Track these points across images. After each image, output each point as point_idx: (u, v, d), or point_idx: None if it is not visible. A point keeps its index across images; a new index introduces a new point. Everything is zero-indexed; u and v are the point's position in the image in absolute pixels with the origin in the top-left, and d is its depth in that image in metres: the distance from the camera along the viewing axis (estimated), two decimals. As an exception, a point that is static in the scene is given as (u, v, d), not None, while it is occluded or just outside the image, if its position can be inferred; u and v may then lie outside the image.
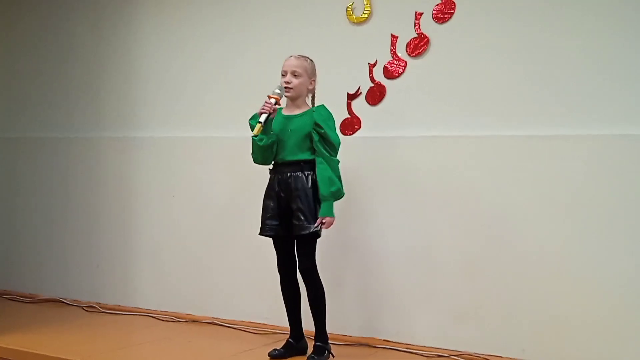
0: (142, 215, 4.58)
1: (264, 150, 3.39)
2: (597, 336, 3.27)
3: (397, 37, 3.76)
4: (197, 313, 4.31)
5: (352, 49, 3.86)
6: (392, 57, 3.78)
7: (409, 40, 3.73)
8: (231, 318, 4.18)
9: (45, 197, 4.95)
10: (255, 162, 3.47)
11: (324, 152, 3.37)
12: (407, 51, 3.74)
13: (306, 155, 3.40)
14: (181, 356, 3.63)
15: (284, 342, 3.53)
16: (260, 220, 3.45)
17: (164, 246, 4.48)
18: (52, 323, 4.20)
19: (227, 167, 4.26)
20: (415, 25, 3.71)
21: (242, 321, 4.13)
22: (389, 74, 3.79)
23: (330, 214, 3.36)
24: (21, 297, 4.87)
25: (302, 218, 3.34)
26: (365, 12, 3.83)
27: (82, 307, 4.60)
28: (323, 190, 3.34)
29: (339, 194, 3.39)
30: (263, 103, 3.34)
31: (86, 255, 4.76)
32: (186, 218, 4.40)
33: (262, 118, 3.31)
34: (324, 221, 3.35)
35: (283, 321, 3.59)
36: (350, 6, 3.87)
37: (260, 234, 3.46)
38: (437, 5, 3.65)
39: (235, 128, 4.17)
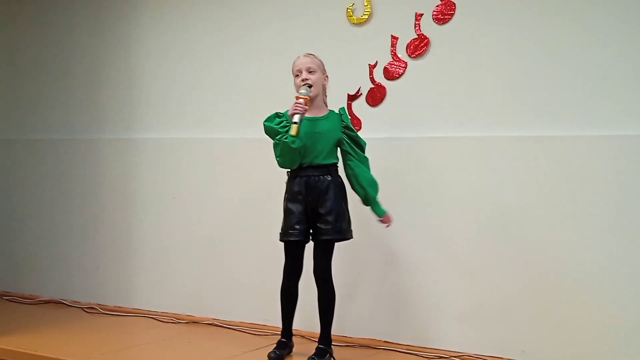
0: (143, 217, 4.58)
1: (295, 152, 3.32)
2: (597, 337, 3.27)
3: (398, 38, 3.76)
4: (198, 314, 4.31)
5: (352, 50, 3.86)
6: (393, 58, 3.78)
7: (409, 41, 3.73)
8: (231, 319, 4.17)
9: (45, 198, 4.95)
10: (282, 165, 3.39)
11: (360, 154, 3.43)
12: (407, 52, 3.74)
13: (334, 159, 3.41)
14: (181, 357, 3.63)
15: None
16: (283, 224, 3.41)
17: (164, 247, 4.48)
18: (52, 324, 4.19)
19: (228, 169, 4.26)
20: (415, 26, 3.71)
21: (242, 322, 4.13)
22: (389, 75, 3.79)
23: (385, 210, 3.47)
24: (21, 298, 4.86)
25: (333, 222, 3.33)
26: (365, 13, 3.83)
27: (82, 309, 4.59)
28: (372, 192, 3.42)
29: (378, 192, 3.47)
30: (293, 105, 3.29)
31: (86, 256, 4.76)
32: (187, 219, 4.40)
33: (296, 118, 3.26)
34: (389, 217, 3.47)
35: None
36: (350, 7, 3.87)
37: (285, 239, 3.40)
38: (438, 6, 3.65)
39: (237, 129, 4.18)
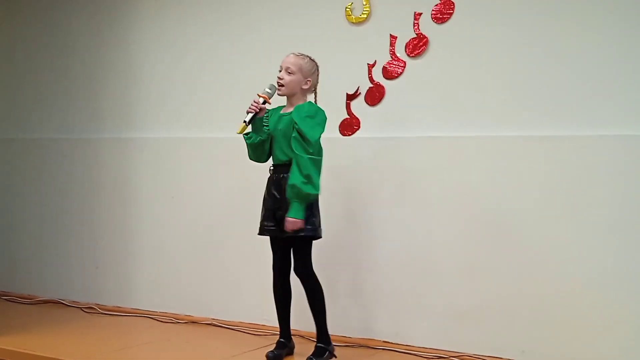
0: (141, 216, 4.57)
1: (254, 148, 3.40)
2: (597, 337, 3.27)
3: (396, 37, 3.75)
4: (197, 314, 4.30)
5: (351, 49, 3.85)
6: (391, 57, 3.77)
7: (408, 40, 3.72)
8: (230, 319, 4.17)
9: (44, 198, 4.95)
10: (249, 159, 3.49)
11: (295, 149, 3.25)
12: (406, 51, 3.73)
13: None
14: (180, 357, 3.63)
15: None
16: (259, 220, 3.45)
17: (163, 247, 4.47)
18: (51, 324, 4.19)
19: (226, 168, 4.26)
20: (414, 26, 3.70)
21: (241, 322, 4.12)
22: (388, 74, 3.78)
23: (295, 215, 3.22)
24: (20, 298, 4.86)
25: None
26: (364, 12, 3.83)
27: (81, 309, 4.59)
28: (287, 190, 3.27)
29: (300, 195, 3.21)
30: (251, 101, 3.33)
31: (85, 256, 4.76)
32: (185, 219, 4.39)
33: (248, 117, 3.33)
34: (286, 222, 3.24)
35: (282, 323, 3.58)
36: (349, 6, 3.86)
37: (258, 234, 3.46)
38: (436, 5, 3.65)
39: (235, 129, 4.16)
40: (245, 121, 3.32)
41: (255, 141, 3.38)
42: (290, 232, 3.27)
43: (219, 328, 4.13)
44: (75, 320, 4.34)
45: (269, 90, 3.38)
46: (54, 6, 4.93)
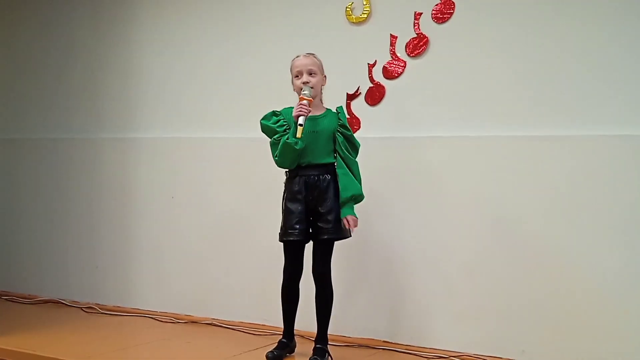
0: (142, 216, 4.57)
1: (297, 153, 3.31)
2: (597, 337, 3.26)
3: (397, 37, 3.75)
4: (197, 314, 4.30)
5: (351, 49, 3.85)
6: (392, 57, 3.77)
7: (408, 40, 3.72)
8: (230, 319, 4.17)
9: (44, 198, 4.95)
10: (281, 165, 3.39)
11: (349, 154, 3.36)
12: (406, 51, 3.73)
13: (332, 158, 3.38)
14: (180, 357, 3.63)
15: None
16: (282, 223, 3.39)
17: (163, 247, 4.47)
18: (51, 324, 4.19)
19: (227, 168, 4.26)
20: (414, 25, 3.70)
21: (241, 322, 4.12)
22: (389, 74, 3.78)
23: (354, 213, 3.36)
24: (20, 297, 4.86)
25: (333, 221, 3.32)
26: (364, 12, 3.83)
27: (81, 308, 4.59)
28: (346, 194, 3.33)
29: (360, 198, 3.38)
30: (297, 106, 3.28)
31: (85, 256, 4.76)
32: (186, 219, 4.39)
33: (301, 120, 3.24)
34: (349, 220, 3.34)
35: (282, 323, 3.57)
36: (349, 6, 3.86)
37: (284, 239, 3.38)
38: (437, 5, 3.65)
39: (236, 129, 4.17)
40: (301, 124, 3.23)
41: (302, 146, 3.29)
42: (353, 229, 3.36)
43: (219, 328, 4.13)
44: (75, 320, 4.34)
45: (307, 92, 3.32)
46: (54, 6, 4.93)
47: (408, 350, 3.63)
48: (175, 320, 4.29)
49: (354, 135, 3.46)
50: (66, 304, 4.70)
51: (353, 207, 3.37)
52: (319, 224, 3.35)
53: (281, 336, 3.54)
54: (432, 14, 3.66)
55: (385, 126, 3.78)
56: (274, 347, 3.50)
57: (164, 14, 4.50)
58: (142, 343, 3.88)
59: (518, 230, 3.46)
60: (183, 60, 4.43)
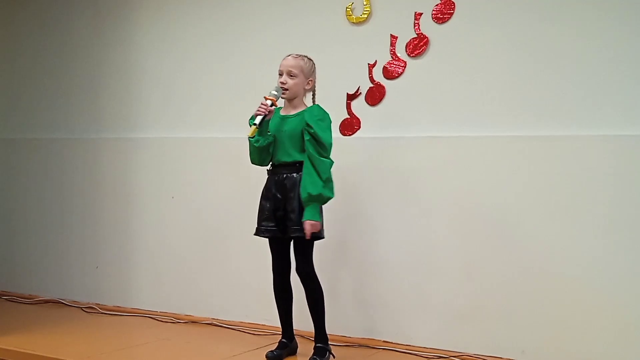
0: (142, 216, 4.57)
1: (260, 151, 3.38)
2: (597, 337, 3.27)
3: (397, 37, 3.75)
4: (196, 314, 4.30)
5: (352, 49, 3.86)
6: (392, 57, 3.77)
7: (408, 40, 3.73)
8: (230, 319, 4.17)
9: (44, 198, 4.95)
10: (252, 163, 3.46)
11: (313, 152, 3.29)
12: (406, 51, 3.74)
13: (302, 157, 3.35)
14: (180, 357, 3.62)
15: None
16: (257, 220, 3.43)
17: (163, 247, 4.47)
18: (51, 324, 4.19)
19: (226, 168, 4.26)
20: (414, 26, 3.71)
21: (241, 322, 4.13)
22: (389, 74, 3.78)
23: (313, 217, 3.26)
24: (20, 298, 4.86)
25: (295, 220, 3.31)
26: (364, 12, 3.83)
27: (81, 308, 4.59)
28: (303, 193, 3.28)
29: (320, 198, 3.27)
30: (259, 104, 3.32)
31: (85, 256, 4.76)
32: (185, 219, 4.39)
33: (257, 120, 3.30)
34: (305, 225, 3.26)
35: (282, 322, 3.58)
36: (349, 6, 3.86)
37: (255, 234, 3.45)
38: (437, 5, 3.65)
39: (235, 129, 4.16)
40: (255, 124, 3.29)
41: (264, 144, 3.36)
42: (309, 234, 3.27)
43: (219, 328, 4.13)
44: (76, 320, 4.34)
45: (275, 93, 3.36)
46: (54, 6, 4.93)
47: (408, 350, 3.63)
48: (175, 320, 4.29)
49: (326, 133, 3.32)
50: (66, 304, 4.70)
51: (314, 209, 3.27)
52: (285, 222, 3.35)
53: (281, 336, 3.54)
54: (432, 14, 3.66)
55: (385, 126, 3.78)
56: (273, 347, 3.50)
57: (164, 14, 4.50)
58: (142, 343, 3.88)
59: (518, 230, 3.46)
60: (183, 60, 4.43)
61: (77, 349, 3.66)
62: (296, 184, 3.34)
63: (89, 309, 4.57)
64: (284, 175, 3.37)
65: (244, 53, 4.22)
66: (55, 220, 4.90)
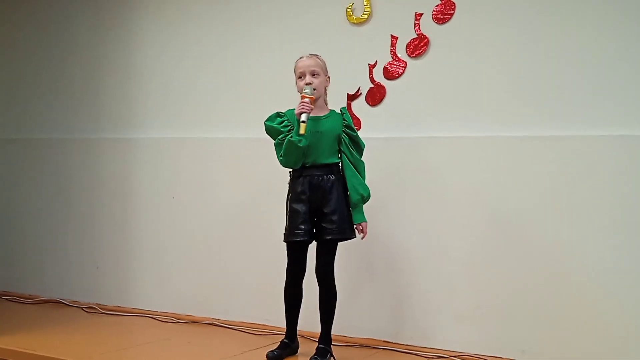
0: (142, 217, 4.57)
1: (301, 152, 3.30)
2: (597, 336, 3.27)
3: (397, 37, 3.76)
4: (197, 314, 4.30)
5: (352, 49, 3.86)
6: (392, 57, 3.77)
7: (408, 40, 3.73)
8: (231, 319, 4.17)
9: (44, 198, 4.95)
10: (286, 165, 3.37)
11: (356, 154, 3.40)
12: (407, 52, 3.74)
13: (336, 158, 3.39)
14: (181, 357, 3.63)
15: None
16: (287, 224, 3.38)
17: (163, 247, 4.48)
18: (51, 324, 4.19)
19: (227, 169, 4.26)
20: (415, 26, 3.71)
21: (242, 322, 4.12)
22: (389, 74, 3.78)
23: (365, 218, 3.41)
24: (21, 298, 4.86)
25: (337, 222, 3.33)
26: (365, 12, 3.83)
27: (82, 308, 4.59)
28: (354, 195, 3.35)
29: (368, 199, 3.41)
30: (299, 104, 3.28)
31: (86, 256, 4.76)
32: (186, 219, 4.40)
33: (304, 117, 3.24)
34: (362, 227, 3.39)
35: (282, 322, 3.58)
36: (350, 7, 3.87)
37: (289, 239, 3.37)
38: (437, 6, 3.65)
39: (236, 129, 4.17)
40: (304, 121, 3.23)
41: (306, 144, 3.29)
42: (366, 234, 3.41)
43: (219, 328, 4.13)
44: (76, 320, 4.34)
45: (308, 91, 3.31)
46: (54, 6, 4.93)
47: (409, 350, 3.63)
48: (176, 320, 4.29)
49: (359, 135, 3.46)
50: (67, 304, 4.70)
51: (363, 211, 3.40)
52: (322, 225, 3.35)
53: (283, 336, 3.54)
54: (432, 15, 3.66)
55: (386, 126, 3.79)
56: (273, 347, 3.50)
57: (165, 14, 4.50)
58: (142, 343, 3.88)
59: (518, 230, 3.46)
60: (184, 60, 4.44)
61: (77, 349, 3.66)
62: (334, 185, 3.35)
63: (90, 309, 4.56)
64: (321, 177, 3.36)
65: (244, 53, 4.22)
66: (55, 220, 4.90)
